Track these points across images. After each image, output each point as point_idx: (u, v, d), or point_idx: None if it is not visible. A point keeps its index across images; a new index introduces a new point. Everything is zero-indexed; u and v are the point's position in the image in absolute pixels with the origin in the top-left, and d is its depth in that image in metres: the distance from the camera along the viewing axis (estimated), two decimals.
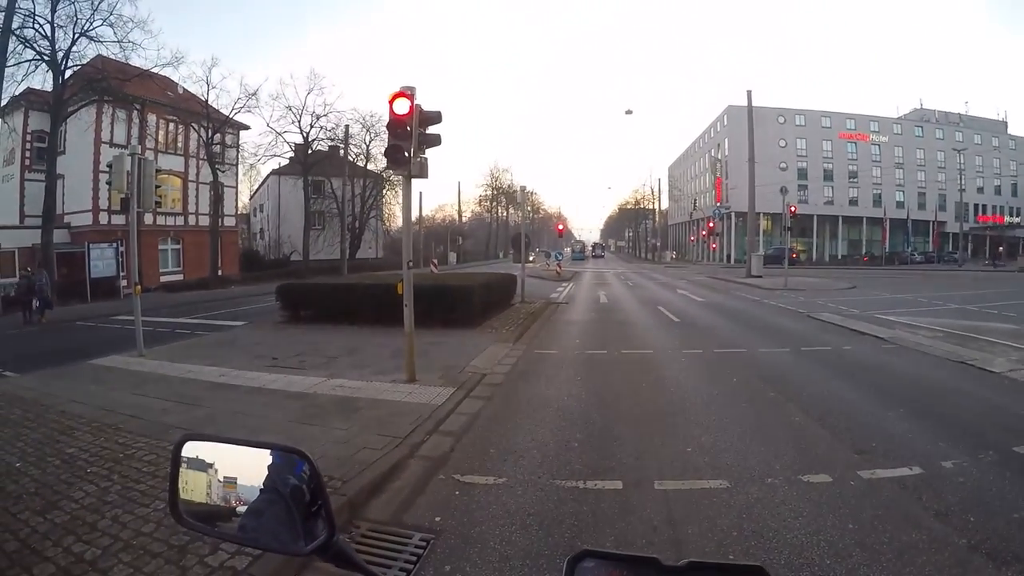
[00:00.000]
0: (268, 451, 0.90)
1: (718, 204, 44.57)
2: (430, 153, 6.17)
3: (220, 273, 25.65)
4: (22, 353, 9.66)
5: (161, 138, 24.78)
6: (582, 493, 3.48)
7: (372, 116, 34.97)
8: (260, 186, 45.15)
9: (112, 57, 19.69)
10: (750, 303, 15.61)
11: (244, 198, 42.59)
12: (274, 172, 39.43)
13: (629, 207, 71.35)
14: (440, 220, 63.05)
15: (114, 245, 20.46)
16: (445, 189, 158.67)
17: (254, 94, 27.43)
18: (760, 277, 24.37)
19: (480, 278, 12.79)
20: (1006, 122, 56.29)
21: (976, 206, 50.36)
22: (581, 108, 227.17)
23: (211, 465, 0.91)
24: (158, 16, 48.02)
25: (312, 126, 31.26)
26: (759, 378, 6.48)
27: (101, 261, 20.10)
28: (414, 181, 6.34)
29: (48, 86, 19.09)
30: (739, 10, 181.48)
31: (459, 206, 60.23)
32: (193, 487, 0.92)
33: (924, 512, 3.10)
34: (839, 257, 49.12)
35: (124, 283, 19.62)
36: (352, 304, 10.93)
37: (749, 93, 28.45)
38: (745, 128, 28.62)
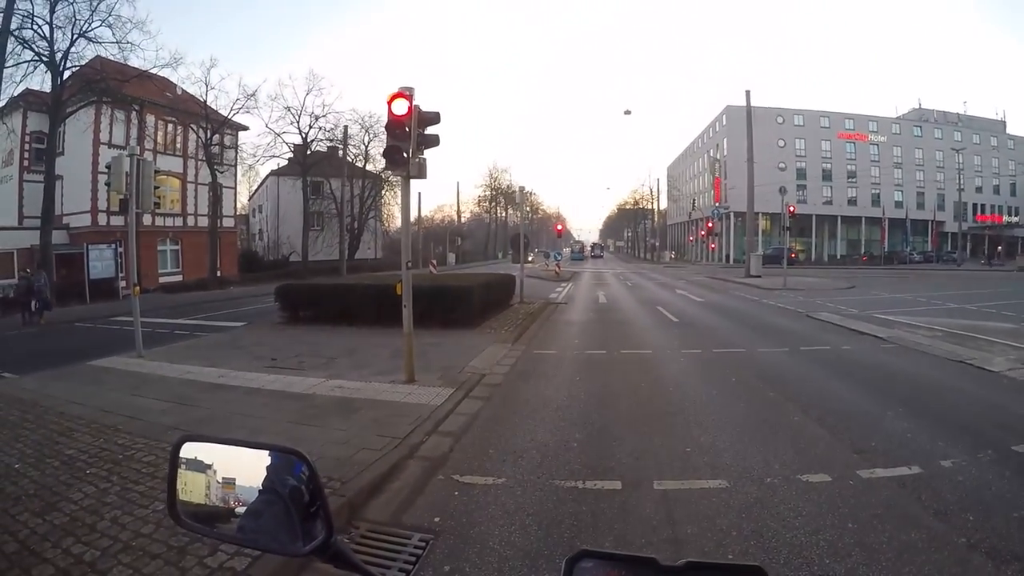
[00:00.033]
0: (266, 452, 0.90)
1: (717, 204, 44.52)
2: (429, 154, 6.16)
3: (219, 274, 25.61)
4: (21, 354, 9.65)
5: (160, 139, 24.75)
6: (581, 493, 3.48)
7: (371, 116, 35.00)
8: (259, 187, 45.12)
9: (111, 58, 19.66)
10: (749, 303, 15.62)
11: (243, 199, 42.68)
12: (273, 173, 39.38)
13: (628, 207, 71.33)
14: (439, 221, 63.03)
15: (113, 246, 20.43)
16: (444, 189, 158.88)
17: (253, 95, 27.37)
18: (759, 277, 24.38)
19: (479, 278, 12.80)
20: (1004, 122, 56.33)
21: (975, 205, 50.44)
22: (580, 108, 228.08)
23: (209, 466, 0.91)
24: (156, 17, 48.26)
25: (311, 127, 31.28)
26: (758, 378, 6.49)
27: (100, 262, 20.08)
28: (413, 182, 6.33)
29: (47, 87, 19.09)
30: (738, 10, 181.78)
31: (458, 206, 60.31)
32: (191, 488, 0.92)
33: (923, 511, 3.10)
34: (838, 257, 49.13)
35: (123, 284, 19.58)
36: (351, 305, 10.93)
37: (748, 93, 28.51)
38: (744, 128, 28.67)
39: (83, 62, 19.26)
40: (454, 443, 4.44)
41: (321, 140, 32.70)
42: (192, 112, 25.42)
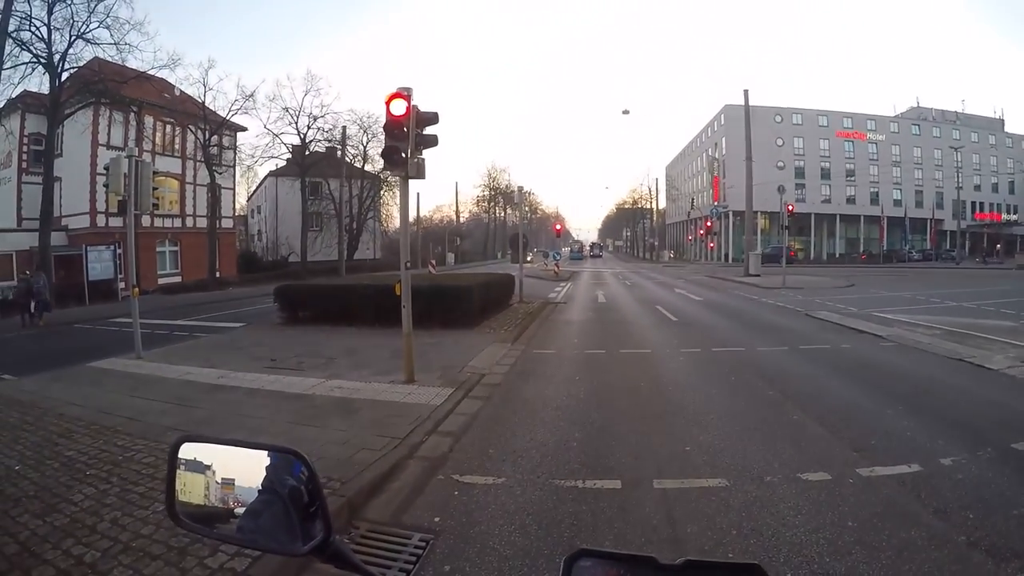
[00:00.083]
0: (265, 452, 0.89)
1: (716, 203, 44.56)
2: (427, 154, 6.16)
3: (218, 275, 25.57)
4: (20, 356, 9.64)
5: (158, 140, 24.73)
6: (581, 493, 3.48)
7: (369, 117, 34.96)
8: (257, 188, 45.02)
9: (109, 59, 19.64)
10: (748, 302, 15.63)
11: (242, 200, 42.54)
12: (271, 174, 39.31)
13: (627, 207, 71.43)
14: (438, 221, 63.02)
15: (112, 247, 20.41)
16: (443, 189, 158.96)
17: (251, 96, 27.45)
18: (758, 276, 24.39)
19: (478, 278, 12.79)
20: (1003, 120, 56.43)
21: (973, 204, 50.51)
22: (579, 108, 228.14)
23: (208, 466, 0.91)
24: (154, 18, 48.11)
25: (309, 127, 31.24)
26: (757, 376, 6.49)
27: (99, 263, 20.05)
28: (411, 182, 6.32)
29: (45, 88, 19.06)
30: (737, 10, 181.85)
31: (457, 206, 60.32)
32: (190, 489, 0.92)
33: (923, 509, 3.10)
34: (837, 255, 49.21)
35: (122, 285, 19.56)
36: (350, 305, 10.92)
37: (746, 92, 28.56)
38: (742, 127, 28.69)
39: (81, 63, 19.24)
40: (454, 443, 4.43)
41: (319, 141, 32.73)
42: (190, 113, 25.39)
